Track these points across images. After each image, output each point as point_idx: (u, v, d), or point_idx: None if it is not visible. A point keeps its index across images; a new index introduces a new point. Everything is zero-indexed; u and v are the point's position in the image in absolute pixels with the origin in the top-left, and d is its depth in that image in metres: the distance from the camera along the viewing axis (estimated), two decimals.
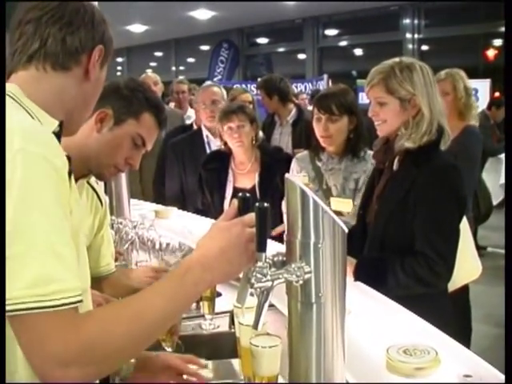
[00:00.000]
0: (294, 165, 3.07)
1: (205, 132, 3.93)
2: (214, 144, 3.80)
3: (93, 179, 1.87)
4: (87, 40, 1.22)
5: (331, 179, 2.90)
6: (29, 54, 1.19)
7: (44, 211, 0.96)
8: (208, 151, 3.86)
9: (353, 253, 2.09)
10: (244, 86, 8.42)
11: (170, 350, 1.74)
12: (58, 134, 1.16)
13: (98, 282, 1.90)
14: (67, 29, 1.19)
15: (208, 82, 4.28)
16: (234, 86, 8.44)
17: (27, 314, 0.93)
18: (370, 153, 2.89)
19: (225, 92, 4.13)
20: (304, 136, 4.11)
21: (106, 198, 2.05)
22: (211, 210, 3.43)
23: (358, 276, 2.08)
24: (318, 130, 2.84)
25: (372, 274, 2.11)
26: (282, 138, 5.05)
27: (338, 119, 2.80)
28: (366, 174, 2.83)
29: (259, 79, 6.58)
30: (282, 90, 5.17)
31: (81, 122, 1.33)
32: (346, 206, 2.75)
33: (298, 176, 2.88)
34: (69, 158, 1.56)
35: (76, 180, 1.70)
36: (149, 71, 5.78)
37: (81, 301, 0.99)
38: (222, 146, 3.38)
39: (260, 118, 5.45)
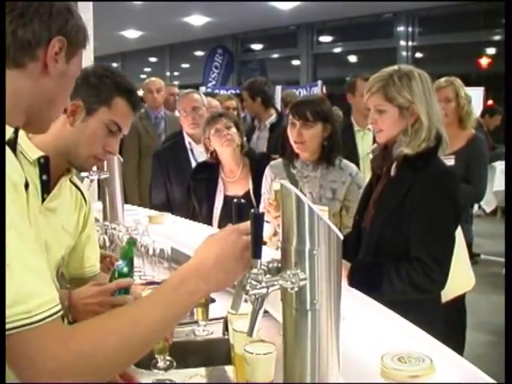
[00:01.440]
0: (268, 172, 3.08)
1: (187, 139, 3.91)
2: (197, 151, 3.80)
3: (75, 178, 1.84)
4: (42, 32, 1.10)
5: (306, 187, 2.90)
6: None
7: (11, 227, 0.93)
8: (191, 158, 3.86)
9: (347, 259, 2.10)
10: (238, 91, 8.41)
11: (161, 363, 1.73)
12: (15, 140, 1.12)
13: (83, 282, 1.87)
14: (18, 21, 1.08)
15: (187, 90, 4.26)
16: (221, 92, 8.48)
17: (13, 334, 0.91)
18: (346, 162, 2.94)
19: (205, 98, 4.10)
20: (280, 142, 4.14)
21: (89, 195, 1.99)
22: (199, 219, 3.44)
23: (353, 280, 2.08)
24: (292, 135, 2.85)
25: (366, 279, 2.11)
26: (259, 142, 5.05)
27: (312, 126, 2.81)
28: (346, 186, 2.86)
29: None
30: (266, 93, 5.20)
31: (50, 119, 1.21)
32: (322, 214, 2.74)
33: (277, 182, 2.87)
34: (47, 157, 1.55)
35: (58, 178, 1.67)
36: (153, 78, 5.69)
37: (61, 310, 0.98)
38: (209, 157, 3.40)
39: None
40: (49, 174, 1.59)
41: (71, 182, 1.79)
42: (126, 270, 1.65)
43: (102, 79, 1.67)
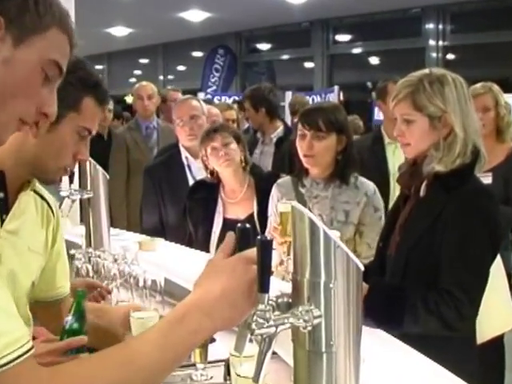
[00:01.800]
0: (274, 191, 3.06)
1: (184, 153, 3.89)
2: (195, 166, 3.78)
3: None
4: None
5: (315, 208, 2.88)
6: None
7: None
8: (189, 175, 3.85)
9: None
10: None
11: None
12: None
13: (55, 305, 1.86)
14: None
15: (185, 96, 4.27)
16: (222, 99, 8.48)
17: None
18: (362, 180, 2.91)
19: (204, 106, 4.07)
20: (287, 158, 4.08)
21: (57, 205, 1.91)
22: (195, 244, 3.45)
23: (369, 304, 2.03)
24: (300, 147, 2.83)
25: (386, 304, 2.06)
26: (263, 158, 5.00)
27: (325, 137, 2.80)
28: (360, 207, 2.84)
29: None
30: (271, 103, 5.16)
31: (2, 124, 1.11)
32: None
33: (282, 203, 2.82)
34: (2, 172, 1.53)
35: (17, 192, 1.61)
36: (144, 82, 5.68)
37: (33, 347, 0.99)
38: (209, 175, 3.40)
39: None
40: (6, 191, 1.56)
41: (35, 191, 1.72)
42: (76, 326, 1.64)
43: (67, 77, 1.46)
